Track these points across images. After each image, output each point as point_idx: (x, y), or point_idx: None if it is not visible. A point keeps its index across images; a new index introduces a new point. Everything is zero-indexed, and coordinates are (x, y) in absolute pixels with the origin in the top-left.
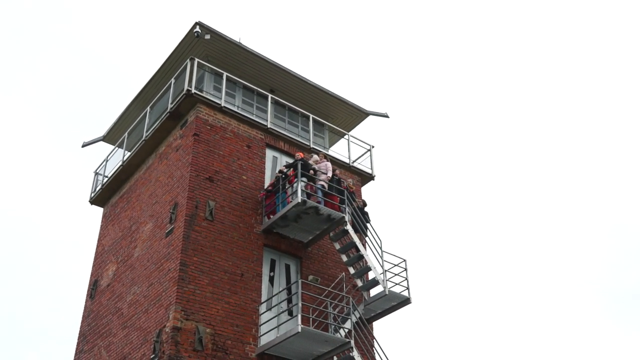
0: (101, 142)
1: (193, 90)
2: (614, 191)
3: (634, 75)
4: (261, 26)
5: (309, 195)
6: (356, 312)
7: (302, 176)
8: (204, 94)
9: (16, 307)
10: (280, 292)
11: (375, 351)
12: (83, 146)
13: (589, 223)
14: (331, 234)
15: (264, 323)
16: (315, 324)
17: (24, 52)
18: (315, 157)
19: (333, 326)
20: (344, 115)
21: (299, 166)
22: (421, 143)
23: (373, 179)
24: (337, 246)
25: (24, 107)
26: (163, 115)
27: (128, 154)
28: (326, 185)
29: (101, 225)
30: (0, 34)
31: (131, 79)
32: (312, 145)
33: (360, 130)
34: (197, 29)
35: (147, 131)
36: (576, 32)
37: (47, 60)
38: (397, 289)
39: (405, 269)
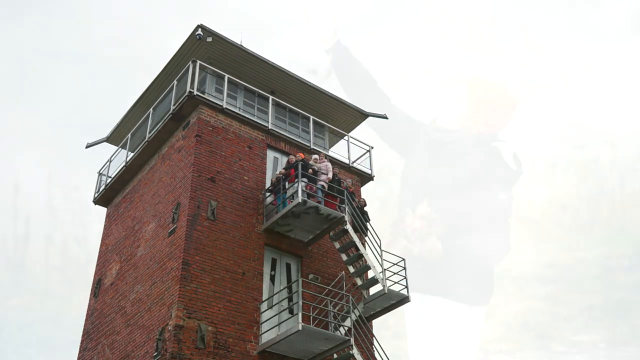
0: (105, 143)
1: (195, 92)
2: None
3: (631, 78)
4: (262, 29)
5: (309, 195)
6: (356, 311)
7: (302, 176)
8: (205, 96)
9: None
10: (281, 290)
11: (374, 349)
12: (87, 147)
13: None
14: (331, 234)
15: (265, 321)
16: (316, 322)
17: (29, 56)
18: (315, 156)
19: (333, 324)
20: (343, 116)
21: (299, 166)
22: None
23: (372, 179)
24: (337, 245)
25: (31, 110)
26: (165, 117)
27: (131, 154)
28: (326, 186)
29: (105, 225)
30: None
31: (134, 81)
32: (312, 146)
33: (360, 132)
34: (199, 31)
35: (149, 132)
36: (575, 32)
37: (52, 64)
38: (396, 288)
39: (404, 268)
